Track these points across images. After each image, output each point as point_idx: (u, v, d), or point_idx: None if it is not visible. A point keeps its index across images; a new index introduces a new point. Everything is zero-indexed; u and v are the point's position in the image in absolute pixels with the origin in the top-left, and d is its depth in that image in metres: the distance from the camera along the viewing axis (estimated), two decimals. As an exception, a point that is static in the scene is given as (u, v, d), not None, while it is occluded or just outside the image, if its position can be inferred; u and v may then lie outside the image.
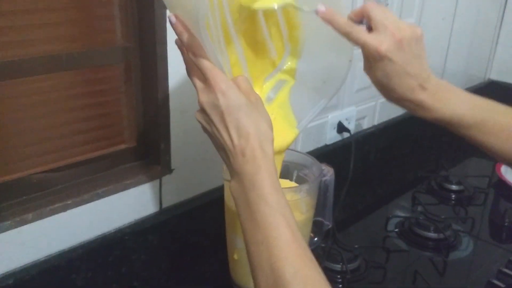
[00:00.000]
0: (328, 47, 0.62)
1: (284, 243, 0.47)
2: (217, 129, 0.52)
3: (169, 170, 0.79)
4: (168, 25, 0.70)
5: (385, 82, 0.60)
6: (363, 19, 0.59)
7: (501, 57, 1.58)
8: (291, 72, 0.65)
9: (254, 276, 0.48)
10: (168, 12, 0.56)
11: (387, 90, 0.61)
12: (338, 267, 0.85)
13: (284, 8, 0.60)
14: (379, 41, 0.56)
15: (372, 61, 0.59)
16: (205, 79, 0.52)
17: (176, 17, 0.53)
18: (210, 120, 0.52)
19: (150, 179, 0.77)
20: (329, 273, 0.85)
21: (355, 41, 0.58)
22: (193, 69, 0.54)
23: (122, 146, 0.78)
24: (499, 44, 1.57)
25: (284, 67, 0.64)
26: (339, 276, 0.84)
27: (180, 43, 0.55)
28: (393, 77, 0.59)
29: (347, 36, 0.58)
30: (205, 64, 0.51)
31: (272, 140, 0.52)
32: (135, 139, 0.79)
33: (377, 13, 0.57)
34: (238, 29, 0.57)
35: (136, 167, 0.78)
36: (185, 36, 0.52)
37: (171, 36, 0.71)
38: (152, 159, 0.79)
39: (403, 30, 0.57)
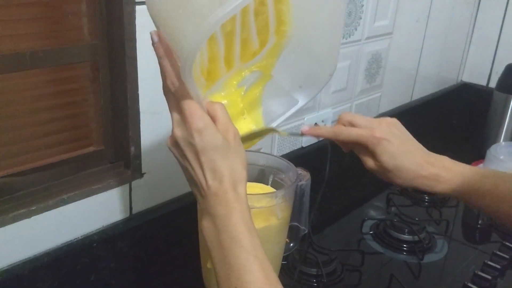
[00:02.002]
0: (312, 54, 0.61)
1: None
2: (190, 166, 0.50)
3: (140, 174, 0.77)
4: (137, 22, 0.68)
5: (393, 164, 0.62)
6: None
7: (473, 59, 1.61)
8: (269, 67, 0.63)
9: None
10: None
11: (398, 172, 0.63)
12: (313, 271, 0.85)
13: (276, 5, 0.58)
14: (371, 129, 0.62)
15: (372, 149, 0.62)
16: (180, 112, 0.50)
17: (159, 36, 0.49)
18: (183, 155, 0.50)
19: (120, 183, 0.75)
20: (305, 277, 0.85)
21: (348, 138, 0.63)
22: (170, 93, 0.51)
23: (90, 149, 0.75)
24: (471, 46, 1.60)
25: (263, 59, 0.62)
26: (314, 281, 0.84)
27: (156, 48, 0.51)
28: (398, 156, 0.62)
29: (339, 136, 0.64)
30: (184, 97, 0.49)
31: (246, 180, 0.51)
32: (103, 141, 0.76)
33: (355, 116, 0.64)
34: (223, 28, 0.55)
35: (104, 171, 0.75)
36: (165, 62, 0.49)
37: (140, 34, 0.69)
38: (121, 162, 0.77)
39: (383, 119, 0.64)
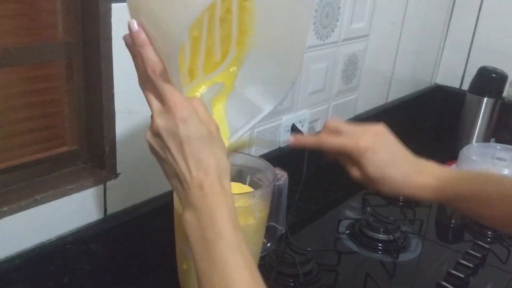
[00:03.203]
0: (275, 63, 0.61)
1: (243, 286, 0.45)
2: (173, 157, 0.48)
3: (115, 175, 0.76)
4: (113, 20, 0.67)
5: (380, 174, 0.60)
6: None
7: (447, 62, 1.64)
8: (231, 78, 0.63)
9: None
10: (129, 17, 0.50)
11: (387, 182, 0.61)
12: (291, 271, 0.85)
13: (240, 14, 0.58)
14: (355, 138, 0.60)
15: (358, 159, 0.60)
16: (163, 102, 0.48)
17: (139, 25, 0.48)
18: (165, 147, 0.48)
19: (94, 184, 0.73)
20: (282, 277, 0.85)
21: (332, 147, 0.61)
22: (149, 83, 0.49)
23: (64, 149, 0.74)
24: (445, 49, 1.63)
25: (225, 71, 0.62)
26: (291, 280, 0.84)
27: (130, 43, 0.50)
28: (384, 167, 0.60)
29: (323, 145, 0.61)
30: (166, 85, 0.48)
31: (230, 174, 0.50)
32: (77, 141, 0.75)
33: (340, 123, 0.62)
34: (190, 32, 0.55)
35: (78, 172, 0.74)
36: (147, 50, 0.48)
37: (116, 33, 0.68)
38: (96, 163, 0.76)
39: (371, 127, 0.61)
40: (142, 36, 0.48)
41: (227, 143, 0.62)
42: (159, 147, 0.49)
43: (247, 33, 0.59)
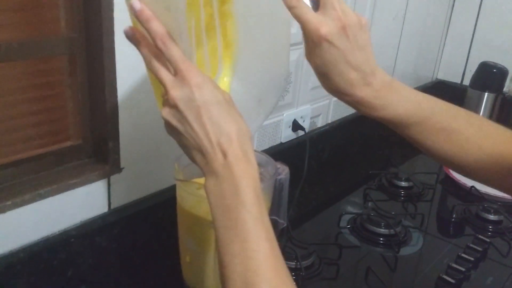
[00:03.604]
0: (262, 65, 0.60)
1: (263, 258, 0.44)
2: (191, 127, 0.47)
3: (118, 169, 0.76)
4: (115, 15, 0.68)
5: (324, 71, 0.54)
6: None
7: (448, 57, 1.64)
8: (226, 90, 0.63)
9: None
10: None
11: (326, 80, 0.55)
12: (292, 264, 0.86)
13: (222, 20, 0.57)
14: (320, 22, 0.51)
15: (311, 45, 0.53)
16: (175, 72, 0.48)
17: (141, 3, 0.48)
18: (183, 118, 0.48)
19: (98, 178, 0.74)
20: (283, 271, 0.85)
21: (297, 18, 0.53)
22: (158, 59, 0.49)
23: (67, 143, 0.74)
24: (446, 45, 1.63)
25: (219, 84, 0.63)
26: (293, 274, 0.85)
27: (132, 33, 0.50)
28: (332, 66, 0.53)
29: (290, 10, 0.53)
30: (177, 54, 0.47)
31: (251, 139, 0.49)
32: (81, 136, 0.75)
33: None
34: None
35: (82, 166, 0.75)
36: (153, 23, 0.48)
37: (118, 27, 0.68)
38: (99, 157, 0.76)
39: (349, 16, 0.53)
40: (146, 11, 0.48)
41: None
42: (177, 121, 0.48)
43: (231, 45, 0.58)
